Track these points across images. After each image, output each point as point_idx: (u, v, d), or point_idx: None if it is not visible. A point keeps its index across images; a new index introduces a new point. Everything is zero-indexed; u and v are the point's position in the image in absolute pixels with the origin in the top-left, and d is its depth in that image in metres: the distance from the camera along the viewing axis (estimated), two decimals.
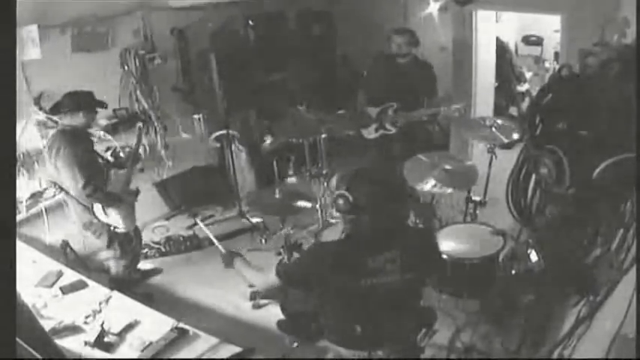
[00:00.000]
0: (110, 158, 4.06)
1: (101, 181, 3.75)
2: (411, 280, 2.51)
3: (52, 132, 3.78)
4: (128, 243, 4.07)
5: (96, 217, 3.79)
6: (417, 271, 2.53)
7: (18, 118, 4.21)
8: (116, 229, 3.89)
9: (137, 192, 4.05)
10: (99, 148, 4.12)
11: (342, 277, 2.44)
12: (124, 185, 3.91)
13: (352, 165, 2.64)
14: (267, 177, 5.68)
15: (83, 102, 3.70)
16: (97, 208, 3.74)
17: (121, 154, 4.18)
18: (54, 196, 4.38)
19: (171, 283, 4.56)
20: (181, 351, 2.74)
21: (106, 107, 3.91)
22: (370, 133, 4.96)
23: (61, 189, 3.78)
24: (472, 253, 3.63)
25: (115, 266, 4.07)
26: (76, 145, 3.62)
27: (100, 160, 3.94)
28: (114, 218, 3.80)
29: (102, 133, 4.88)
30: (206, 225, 5.27)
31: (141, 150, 4.85)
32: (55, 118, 3.78)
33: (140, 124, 4.24)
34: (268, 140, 5.69)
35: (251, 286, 4.19)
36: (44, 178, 4.45)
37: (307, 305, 2.85)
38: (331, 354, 2.69)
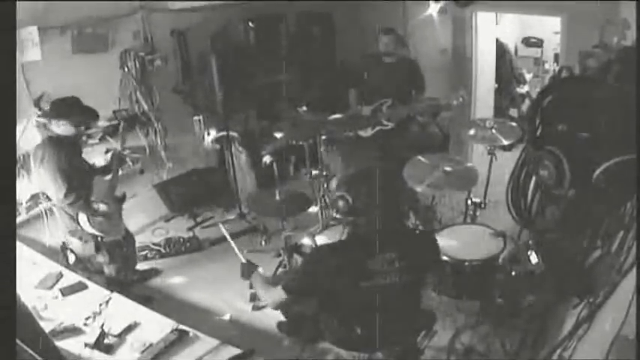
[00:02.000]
0: (95, 164, 4.00)
1: (85, 189, 3.67)
2: (411, 282, 2.52)
3: (39, 139, 3.72)
4: (117, 249, 3.99)
5: (80, 227, 3.73)
6: (416, 273, 2.53)
7: (18, 120, 4.21)
8: (102, 239, 3.82)
9: (123, 198, 4.00)
10: (94, 151, 4.08)
11: (342, 279, 2.44)
12: (108, 191, 3.85)
13: (352, 165, 2.65)
14: (267, 178, 5.67)
15: (72, 112, 3.60)
16: (82, 218, 3.68)
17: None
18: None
19: (171, 285, 4.56)
20: (181, 353, 2.74)
21: (97, 118, 3.81)
22: (366, 131, 5.00)
23: (48, 198, 3.73)
24: (472, 255, 3.63)
25: (107, 270, 4.04)
26: (60, 153, 3.55)
27: (86, 168, 3.88)
28: (99, 228, 3.73)
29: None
30: (205, 227, 5.34)
31: (139, 152, 4.84)
32: (45, 122, 3.69)
33: (122, 124, 4.19)
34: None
35: (252, 287, 4.20)
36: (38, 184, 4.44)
37: (308, 307, 2.85)
38: (331, 356, 2.69)
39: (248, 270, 2.93)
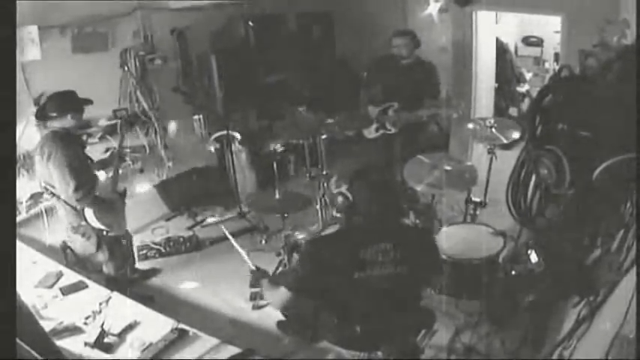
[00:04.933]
0: (95, 158, 4.01)
1: (91, 185, 3.68)
2: (407, 275, 2.51)
3: (43, 134, 3.73)
4: (117, 246, 4.01)
5: (86, 221, 3.73)
6: (411, 264, 2.53)
7: (18, 119, 4.21)
8: (107, 233, 3.83)
9: (124, 193, 4.01)
10: (93, 149, 4.09)
11: (336, 270, 2.45)
12: (111, 187, 3.87)
13: (351, 165, 2.65)
14: (268, 177, 5.68)
15: (69, 103, 3.63)
16: (88, 212, 3.69)
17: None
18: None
19: (171, 284, 4.56)
20: (181, 352, 2.74)
21: (91, 104, 3.83)
22: (371, 132, 4.97)
23: (52, 193, 3.73)
24: (472, 254, 3.63)
25: (106, 268, 4.04)
26: (68, 148, 3.55)
27: (90, 163, 3.90)
28: (104, 222, 3.75)
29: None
30: (205, 226, 5.34)
31: (139, 151, 4.84)
32: (46, 123, 3.70)
33: (120, 121, 4.20)
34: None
35: (252, 286, 4.20)
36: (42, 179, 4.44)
37: (307, 306, 2.85)
38: (332, 355, 2.69)
39: (257, 277, 2.91)
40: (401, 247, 2.47)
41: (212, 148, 5.71)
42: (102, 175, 3.86)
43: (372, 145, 5.03)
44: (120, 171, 4.01)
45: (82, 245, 3.86)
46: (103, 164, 3.96)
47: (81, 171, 3.59)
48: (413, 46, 4.81)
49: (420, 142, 5.04)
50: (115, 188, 3.89)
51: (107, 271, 4.03)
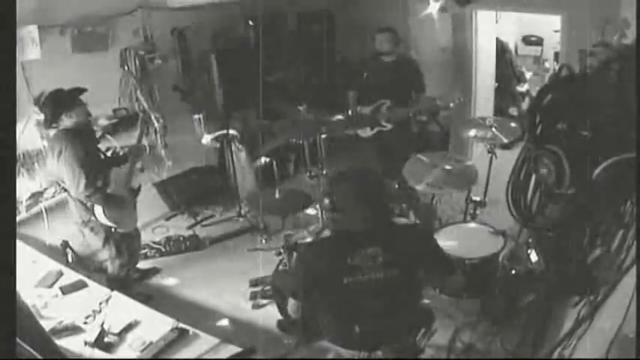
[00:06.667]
0: (111, 155, 4.02)
1: (103, 181, 3.70)
2: (398, 278, 2.50)
3: (53, 131, 3.73)
4: (125, 242, 4.02)
5: (95, 218, 3.74)
6: (408, 264, 2.52)
7: (18, 119, 4.20)
8: (115, 230, 3.85)
9: (138, 190, 4.02)
10: (100, 146, 4.09)
11: (327, 275, 2.46)
12: (125, 183, 3.88)
13: (348, 164, 2.66)
14: (267, 177, 5.67)
15: (66, 99, 3.63)
16: (98, 209, 3.71)
17: (121, 154, 4.14)
18: (54, 196, 4.37)
19: (172, 283, 4.56)
20: (181, 351, 2.75)
21: (85, 91, 3.77)
22: (366, 132, 4.99)
23: (64, 189, 3.74)
24: (472, 254, 3.63)
25: (111, 266, 4.05)
26: (79, 144, 3.57)
27: (102, 158, 3.91)
28: (113, 219, 3.77)
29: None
30: (205, 225, 5.34)
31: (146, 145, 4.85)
32: (60, 125, 3.69)
33: (142, 115, 4.19)
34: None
35: (252, 285, 4.21)
36: (44, 178, 4.43)
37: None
38: (331, 354, 2.69)
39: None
40: (394, 248, 2.47)
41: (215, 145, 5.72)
42: (118, 171, 3.87)
43: (370, 143, 5.05)
44: (135, 166, 4.03)
45: (89, 239, 3.86)
46: (120, 161, 3.97)
47: (91, 168, 3.59)
48: (394, 42, 4.92)
49: (417, 135, 5.07)
50: (128, 185, 3.90)
51: (111, 269, 4.03)
